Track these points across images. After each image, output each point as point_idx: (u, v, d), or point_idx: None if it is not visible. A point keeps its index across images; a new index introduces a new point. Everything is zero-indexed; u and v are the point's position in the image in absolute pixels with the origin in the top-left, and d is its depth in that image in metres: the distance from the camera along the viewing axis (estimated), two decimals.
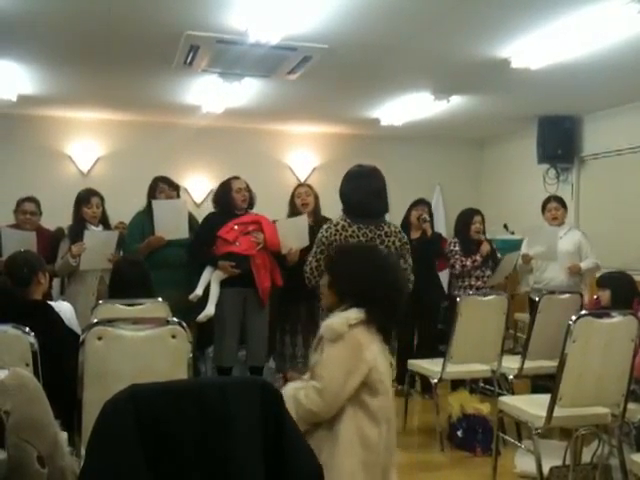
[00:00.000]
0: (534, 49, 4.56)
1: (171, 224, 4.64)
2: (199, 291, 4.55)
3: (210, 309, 4.50)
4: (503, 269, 5.07)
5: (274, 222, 4.79)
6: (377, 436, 2.20)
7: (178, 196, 5.08)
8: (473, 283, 5.19)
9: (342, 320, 2.21)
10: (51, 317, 2.98)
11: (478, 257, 5.18)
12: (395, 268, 2.49)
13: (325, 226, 3.22)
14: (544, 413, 3.16)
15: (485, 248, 5.19)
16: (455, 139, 8.49)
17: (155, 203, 4.70)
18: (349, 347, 2.18)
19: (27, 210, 5.05)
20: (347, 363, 2.17)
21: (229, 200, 4.73)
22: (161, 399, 1.39)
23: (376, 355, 2.22)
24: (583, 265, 5.21)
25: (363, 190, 3.19)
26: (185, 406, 1.41)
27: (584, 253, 5.29)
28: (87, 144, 7.44)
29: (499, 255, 5.46)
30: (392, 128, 7.44)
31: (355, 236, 3.12)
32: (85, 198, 4.75)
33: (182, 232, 4.68)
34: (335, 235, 3.13)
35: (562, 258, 5.18)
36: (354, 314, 2.22)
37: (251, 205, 4.87)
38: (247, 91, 5.91)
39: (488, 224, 5.69)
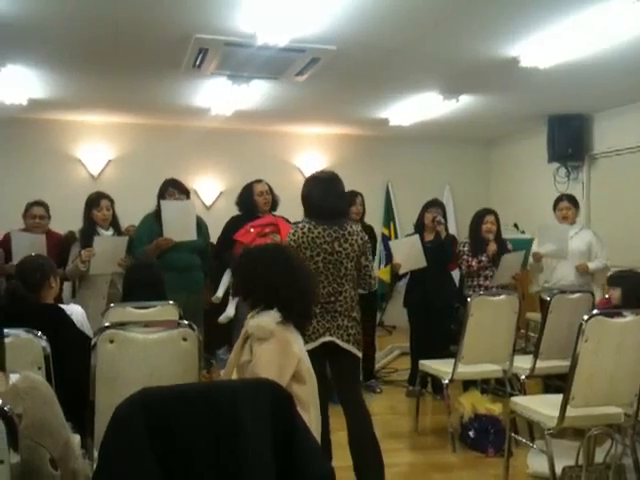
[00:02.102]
0: (543, 48, 4.55)
1: (179, 225, 4.65)
2: (220, 293, 4.69)
3: (230, 311, 4.62)
4: (505, 268, 5.03)
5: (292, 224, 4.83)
6: (309, 421, 2.27)
7: (188, 199, 5.09)
8: (482, 283, 5.16)
9: (270, 319, 2.37)
10: (63, 320, 3.00)
11: (484, 258, 5.15)
12: (300, 266, 2.63)
13: (292, 230, 3.37)
14: (556, 413, 3.15)
15: (491, 249, 5.16)
16: (464, 139, 8.46)
17: (164, 204, 4.71)
18: (279, 343, 2.34)
19: (36, 214, 5.07)
20: (280, 358, 2.31)
21: (251, 203, 4.86)
22: (172, 402, 1.40)
23: (301, 347, 2.43)
24: (591, 265, 5.17)
25: (330, 194, 3.34)
26: (196, 409, 1.42)
27: (594, 253, 5.25)
28: (97, 147, 7.48)
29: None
30: (401, 128, 7.43)
31: (321, 236, 3.25)
32: (95, 201, 4.76)
33: (190, 234, 4.68)
34: (303, 237, 3.26)
35: (573, 257, 5.15)
36: (277, 313, 2.39)
37: (274, 207, 4.94)
38: (256, 93, 5.92)
39: None
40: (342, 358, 3.27)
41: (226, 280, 4.72)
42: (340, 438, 3.31)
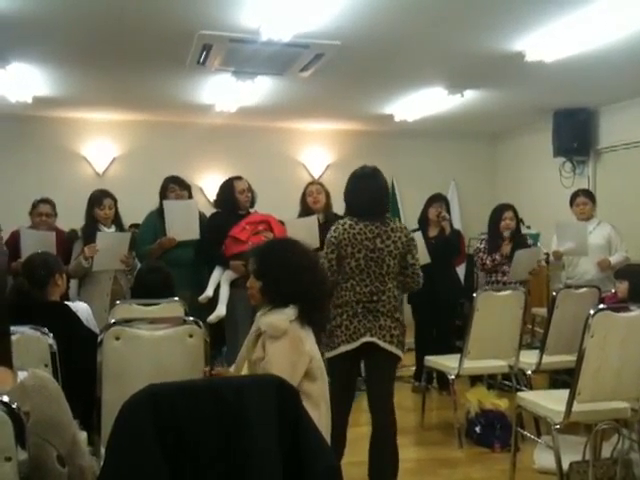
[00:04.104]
0: (548, 42, 4.52)
1: (182, 225, 4.65)
2: (209, 292, 4.57)
3: (221, 310, 4.52)
4: (520, 264, 5.02)
5: (282, 222, 4.81)
6: (318, 418, 2.28)
7: (190, 196, 5.07)
8: (500, 279, 5.14)
9: (283, 317, 2.37)
10: (69, 317, 3.01)
11: (498, 256, 5.13)
12: (317, 264, 2.64)
13: (333, 226, 3.29)
14: (563, 408, 3.14)
15: (505, 250, 5.13)
16: (469, 134, 8.44)
17: (166, 204, 4.71)
18: (292, 342, 2.33)
19: (42, 212, 5.08)
20: (292, 356, 2.32)
21: (233, 201, 4.77)
22: (179, 398, 1.40)
23: (313, 345, 2.42)
24: (613, 259, 5.16)
25: (366, 189, 3.28)
26: (202, 405, 1.42)
27: (614, 247, 5.25)
28: (102, 145, 7.49)
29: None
30: (406, 124, 7.42)
31: (363, 233, 3.17)
32: (97, 199, 4.76)
33: (193, 233, 4.67)
34: (343, 234, 3.18)
35: (593, 252, 5.14)
36: (291, 310, 2.38)
37: (252, 204, 4.90)
38: (260, 89, 5.92)
39: None
40: (381, 359, 3.19)
41: (216, 278, 4.61)
42: (354, 434, 3.31)
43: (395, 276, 3.23)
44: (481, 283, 5.41)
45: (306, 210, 4.99)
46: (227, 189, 4.84)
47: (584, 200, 5.37)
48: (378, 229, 3.19)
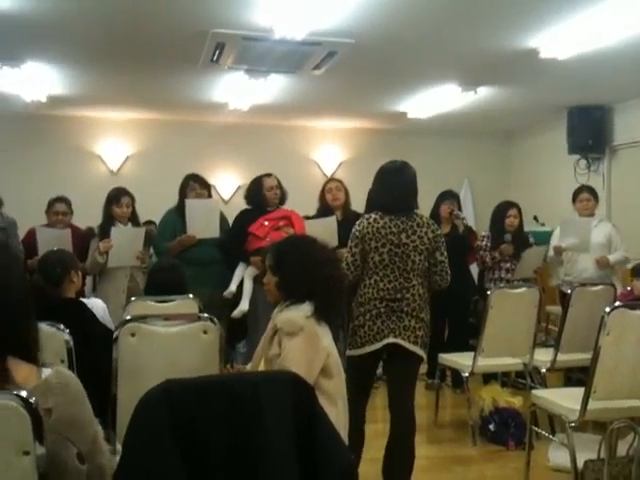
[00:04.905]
0: (563, 39, 4.50)
1: (203, 223, 4.68)
2: (233, 288, 4.66)
3: (244, 305, 4.60)
4: (527, 263, 5.00)
5: (305, 218, 4.83)
6: (336, 415, 2.28)
7: (209, 195, 5.10)
8: (503, 276, 5.14)
9: (300, 313, 2.36)
10: (84, 314, 3.02)
11: (497, 254, 5.12)
12: (334, 260, 2.63)
13: (358, 220, 3.24)
14: (578, 406, 3.12)
15: (506, 251, 5.12)
16: (483, 131, 8.40)
17: (188, 202, 4.74)
18: (309, 338, 2.33)
19: (58, 210, 5.14)
20: (309, 353, 2.31)
21: (261, 197, 4.81)
22: (194, 394, 1.41)
23: (330, 341, 2.42)
24: (611, 258, 5.13)
25: (392, 184, 3.23)
26: (218, 401, 1.43)
27: (614, 245, 5.21)
28: (116, 143, 7.53)
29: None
30: (419, 121, 7.39)
31: (387, 227, 3.12)
32: (115, 197, 4.80)
33: (213, 231, 4.71)
34: (368, 227, 3.14)
35: (593, 250, 5.11)
36: (308, 307, 2.38)
37: (282, 201, 4.91)
38: (273, 87, 5.92)
39: None
40: (404, 360, 3.13)
41: (239, 274, 4.69)
42: (370, 430, 3.30)
43: (421, 273, 3.15)
44: (485, 279, 5.38)
45: (325, 207, 4.99)
46: (256, 186, 4.88)
47: (587, 196, 5.34)
48: (404, 224, 3.13)
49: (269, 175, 4.91)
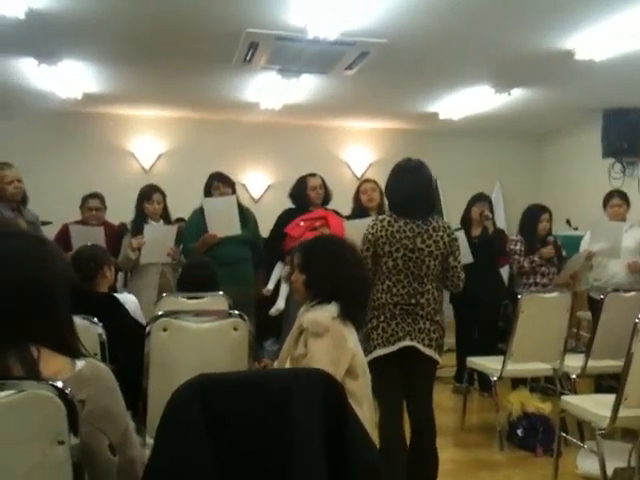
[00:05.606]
0: (599, 40, 4.44)
1: (223, 221, 4.66)
2: (270, 286, 4.79)
3: (280, 304, 4.68)
4: (570, 268, 4.96)
5: (344, 217, 4.84)
6: (362, 416, 2.25)
7: (233, 193, 5.12)
8: (539, 280, 5.08)
9: (326, 314, 2.36)
10: (117, 309, 3.07)
11: (536, 258, 5.06)
12: (361, 261, 2.64)
13: (371, 222, 3.14)
14: (608, 413, 3.08)
15: (548, 253, 5.06)
16: (516, 133, 8.32)
17: (205, 201, 4.76)
18: (335, 339, 2.32)
19: (92, 207, 5.22)
20: (334, 354, 2.31)
21: (304, 196, 4.87)
22: (227, 389, 1.42)
23: (356, 342, 2.41)
24: None
25: (408, 185, 3.10)
26: (249, 396, 1.44)
27: None
28: (149, 141, 7.62)
29: (564, 252, 5.32)
30: (450, 122, 7.35)
31: (402, 231, 3.02)
32: (147, 194, 4.85)
33: (234, 228, 4.66)
34: (381, 231, 3.04)
35: (623, 255, 5.03)
36: (334, 307, 2.37)
37: (326, 201, 4.95)
38: (305, 87, 5.94)
39: None
40: (420, 364, 3.05)
41: (277, 273, 4.78)
42: None
43: (435, 277, 3.06)
44: (516, 284, 5.32)
45: (360, 208, 4.97)
46: (300, 185, 4.93)
47: (619, 202, 5.25)
48: (419, 227, 3.03)
49: (314, 175, 4.95)
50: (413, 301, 3.01)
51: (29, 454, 1.31)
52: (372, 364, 2.97)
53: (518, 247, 5.18)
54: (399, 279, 3.02)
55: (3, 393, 1.29)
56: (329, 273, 2.43)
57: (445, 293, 6.09)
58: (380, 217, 3.14)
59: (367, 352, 3.03)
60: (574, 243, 5.60)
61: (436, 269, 3.05)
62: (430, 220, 3.07)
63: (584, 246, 5.27)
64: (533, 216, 5.25)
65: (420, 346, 3.00)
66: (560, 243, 5.33)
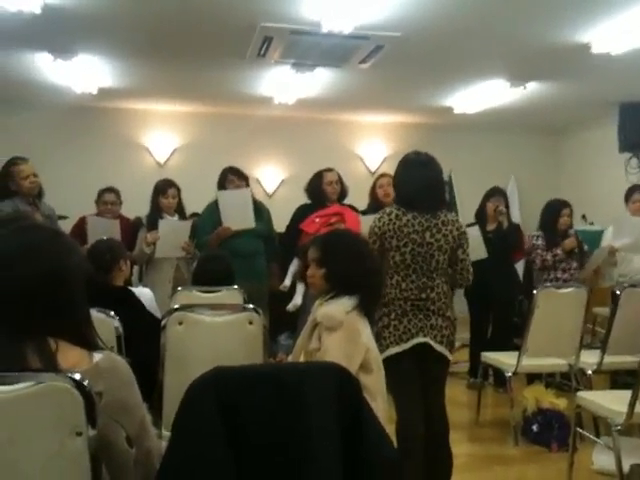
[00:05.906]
0: (616, 33, 4.40)
1: (237, 214, 4.68)
2: (287, 282, 4.77)
3: (297, 299, 4.68)
4: (593, 262, 4.93)
5: (360, 213, 4.82)
6: (376, 410, 2.24)
7: (247, 186, 5.12)
8: (560, 276, 5.04)
9: (340, 308, 2.36)
10: (133, 302, 3.08)
11: (559, 251, 5.02)
12: (374, 255, 2.66)
13: (378, 215, 3.07)
14: (625, 409, 3.05)
15: (570, 244, 5.03)
16: (531, 127, 8.26)
17: (220, 194, 4.76)
18: (348, 333, 2.33)
19: (108, 201, 5.25)
20: (347, 348, 2.31)
21: (320, 191, 4.84)
22: (243, 382, 1.43)
23: (369, 336, 2.42)
24: None
25: (417, 178, 3.04)
26: (265, 390, 1.45)
27: None
28: (164, 136, 7.65)
29: (585, 247, 5.28)
30: (465, 116, 7.32)
31: (410, 225, 2.96)
32: (162, 188, 4.88)
33: (248, 222, 4.67)
34: (388, 225, 2.97)
35: None
36: (348, 301, 2.38)
37: (342, 197, 4.93)
38: (319, 81, 5.94)
39: None
40: (433, 361, 2.99)
41: (293, 269, 4.77)
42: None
43: (444, 272, 3.00)
44: (537, 280, 5.27)
45: (376, 202, 4.95)
46: (316, 180, 4.91)
47: None
48: (428, 222, 2.96)
49: (330, 170, 4.92)
50: (423, 295, 2.95)
51: (47, 445, 1.32)
52: (385, 362, 2.90)
53: (540, 242, 5.15)
54: (408, 274, 2.96)
55: (22, 385, 1.31)
56: (349, 266, 2.43)
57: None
58: (388, 210, 3.06)
59: (379, 351, 2.96)
60: (590, 238, 5.56)
61: (445, 263, 3.00)
62: (439, 214, 3.01)
63: (606, 241, 5.23)
64: (554, 211, 5.20)
65: (433, 342, 2.95)
66: (580, 237, 5.29)
